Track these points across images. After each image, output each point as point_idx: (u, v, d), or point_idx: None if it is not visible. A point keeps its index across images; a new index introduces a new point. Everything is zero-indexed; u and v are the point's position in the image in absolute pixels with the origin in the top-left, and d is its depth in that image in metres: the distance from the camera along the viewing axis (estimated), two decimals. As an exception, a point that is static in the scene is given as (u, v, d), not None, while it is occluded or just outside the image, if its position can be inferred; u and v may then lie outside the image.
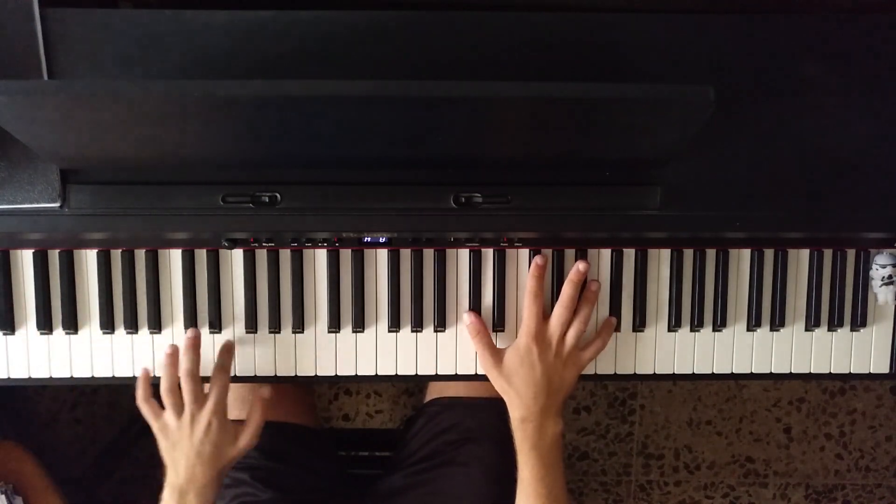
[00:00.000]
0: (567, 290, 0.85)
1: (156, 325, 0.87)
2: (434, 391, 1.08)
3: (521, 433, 0.84)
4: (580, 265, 0.85)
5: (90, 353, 0.88)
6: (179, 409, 0.83)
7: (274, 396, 0.89)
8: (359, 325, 0.88)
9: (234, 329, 0.88)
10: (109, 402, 1.62)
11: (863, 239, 0.90)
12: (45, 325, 0.87)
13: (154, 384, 0.85)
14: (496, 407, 1.00)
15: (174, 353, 0.84)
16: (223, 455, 0.84)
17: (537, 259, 0.86)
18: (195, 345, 0.84)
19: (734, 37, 0.82)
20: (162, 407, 0.84)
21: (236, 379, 0.89)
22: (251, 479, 0.97)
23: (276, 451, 1.00)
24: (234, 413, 1.01)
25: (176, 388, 0.83)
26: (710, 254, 0.90)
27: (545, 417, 0.83)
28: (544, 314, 0.85)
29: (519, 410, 0.83)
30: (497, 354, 0.85)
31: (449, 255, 0.88)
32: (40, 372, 0.88)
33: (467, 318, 0.87)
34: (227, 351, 0.86)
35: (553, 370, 0.83)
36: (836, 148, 0.83)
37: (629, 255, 0.89)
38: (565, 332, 0.84)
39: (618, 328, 0.90)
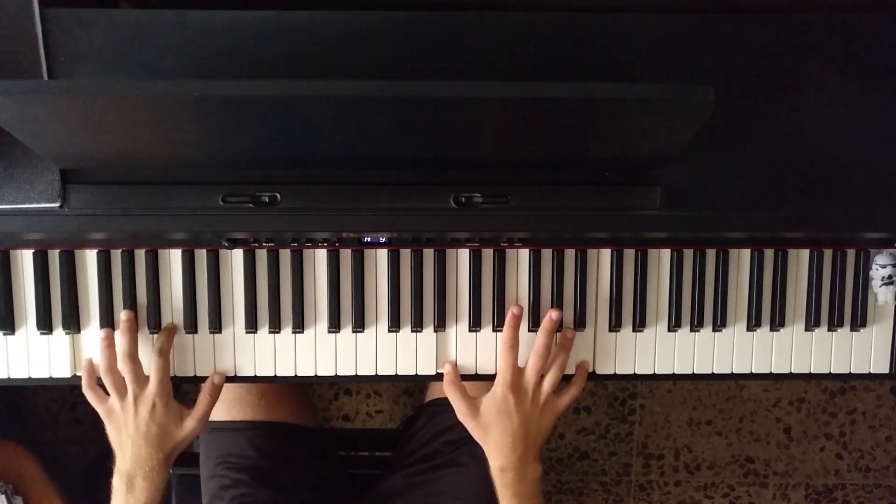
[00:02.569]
0: (541, 338, 0.85)
1: (156, 326, 0.87)
2: (435, 391, 1.08)
3: (500, 481, 0.84)
4: (553, 314, 0.86)
5: (90, 353, 0.88)
6: (122, 390, 0.83)
7: (223, 383, 0.88)
8: (359, 325, 0.88)
9: (234, 329, 0.88)
10: (109, 402, 1.62)
11: (863, 239, 0.90)
12: (45, 325, 0.87)
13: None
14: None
15: (110, 336, 0.84)
16: (169, 437, 0.84)
17: (513, 309, 0.86)
18: (131, 327, 0.84)
19: (734, 37, 0.82)
20: (107, 393, 0.84)
21: (237, 379, 0.89)
22: (250, 480, 0.97)
23: (276, 452, 1.00)
24: (231, 413, 1.01)
25: (114, 369, 0.83)
26: (710, 254, 0.90)
27: (524, 464, 0.83)
28: (520, 363, 0.85)
29: (498, 460, 0.84)
30: (473, 405, 0.85)
31: (449, 255, 0.88)
32: (40, 372, 0.88)
33: (445, 368, 0.87)
34: (168, 333, 0.86)
35: (530, 418, 0.84)
36: (837, 148, 0.83)
37: (629, 255, 0.89)
38: (541, 380, 0.85)
39: (618, 328, 0.90)
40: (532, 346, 0.85)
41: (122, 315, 0.85)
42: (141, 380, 0.83)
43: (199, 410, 0.86)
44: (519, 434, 0.83)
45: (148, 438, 0.82)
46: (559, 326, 0.87)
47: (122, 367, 0.83)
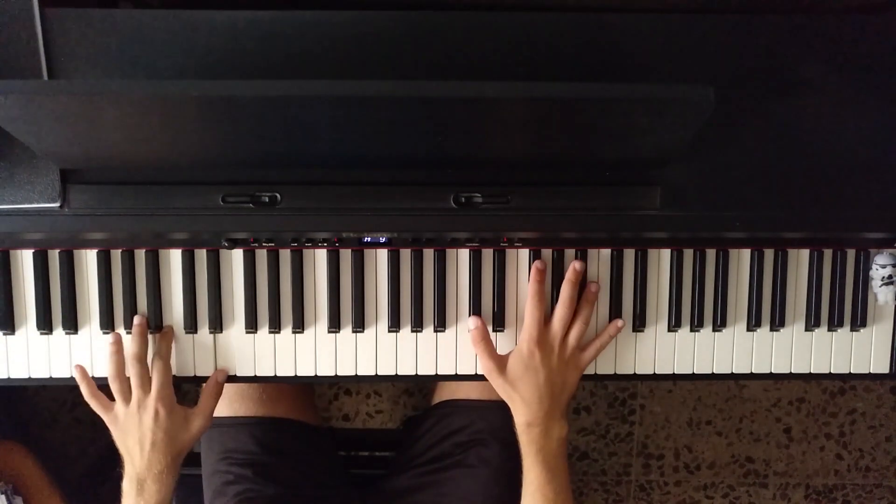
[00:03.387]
0: (566, 290, 0.85)
1: (156, 326, 0.87)
2: (443, 392, 1.08)
3: (526, 437, 0.84)
4: (576, 264, 0.86)
5: (90, 353, 0.88)
6: (127, 395, 0.83)
7: (226, 381, 0.88)
8: (359, 325, 0.88)
9: (234, 329, 0.88)
10: (109, 402, 1.62)
11: (863, 239, 0.90)
12: (45, 325, 0.87)
13: (100, 384, 0.85)
14: (506, 409, 1.00)
15: (119, 341, 0.84)
16: (176, 441, 0.84)
17: (537, 264, 0.86)
18: (143, 332, 0.85)
19: (734, 37, 0.82)
20: (111, 399, 0.84)
21: (237, 379, 0.89)
22: (254, 475, 0.97)
23: (278, 447, 1.00)
24: (234, 408, 1.01)
25: (122, 375, 0.84)
26: (710, 254, 0.90)
27: (550, 420, 0.83)
28: (545, 318, 0.85)
29: (524, 415, 0.83)
30: (500, 360, 0.85)
31: (449, 255, 0.88)
32: (40, 372, 0.88)
33: (472, 322, 0.87)
34: (166, 339, 0.86)
35: (556, 373, 0.84)
36: (836, 148, 0.83)
37: (629, 255, 0.89)
38: (566, 333, 0.85)
39: (621, 328, 0.90)
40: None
41: (135, 319, 0.85)
42: (146, 385, 0.83)
43: (205, 409, 0.86)
44: (545, 389, 0.83)
45: (155, 444, 0.83)
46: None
47: (131, 368, 0.83)
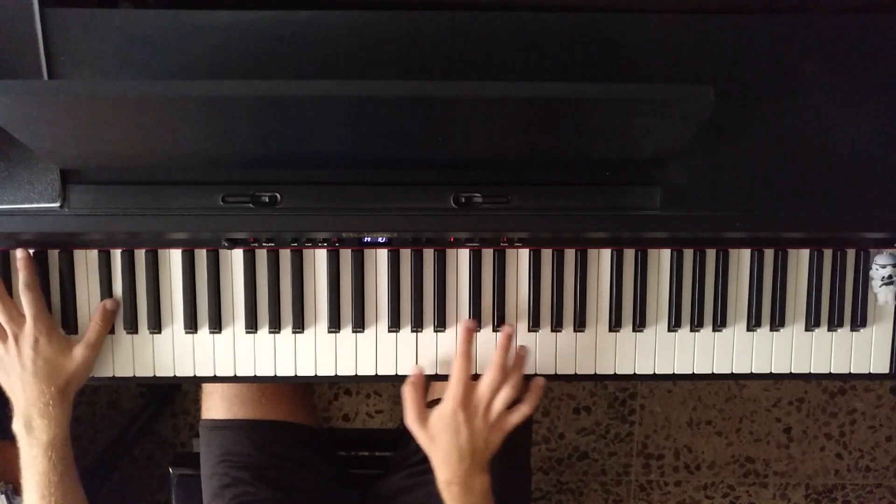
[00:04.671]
0: (498, 356, 0.84)
1: (156, 326, 0.87)
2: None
3: (447, 494, 0.84)
4: (507, 328, 0.86)
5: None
6: (3, 334, 0.83)
7: (116, 308, 0.87)
8: (359, 325, 0.88)
9: (234, 329, 0.88)
10: (109, 402, 1.62)
11: (863, 239, 0.90)
12: (45, 325, 0.87)
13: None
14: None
15: None
16: (59, 369, 0.83)
17: (466, 322, 0.86)
18: (27, 265, 0.83)
19: (734, 37, 0.82)
20: None
21: (237, 379, 0.89)
22: (251, 479, 0.97)
23: (277, 450, 1.00)
24: (232, 411, 1.01)
25: None
26: (710, 254, 0.90)
27: (470, 477, 0.83)
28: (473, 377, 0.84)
29: (444, 473, 0.83)
30: (423, 413, 0.84)
31: (449, 255, 0.88)
32: (40, 372, 0.88)
33: (413, 370, 0.86)
34: (27, 268, 0.84)
35: (479, 435, 0.83)
36: (837, 148, 0.83)
37: (629, 255, 0.89)
38: (494, 396, 0.84)
39: (618, 328, 0.90)
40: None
41: (17, 253, 0.84)
42: (17, 318, 0.83)
43: (90, 336, 0.85)
44: (466, 449, 0.82)
45: (36, 374, 0.81)
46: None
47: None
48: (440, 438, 0.83)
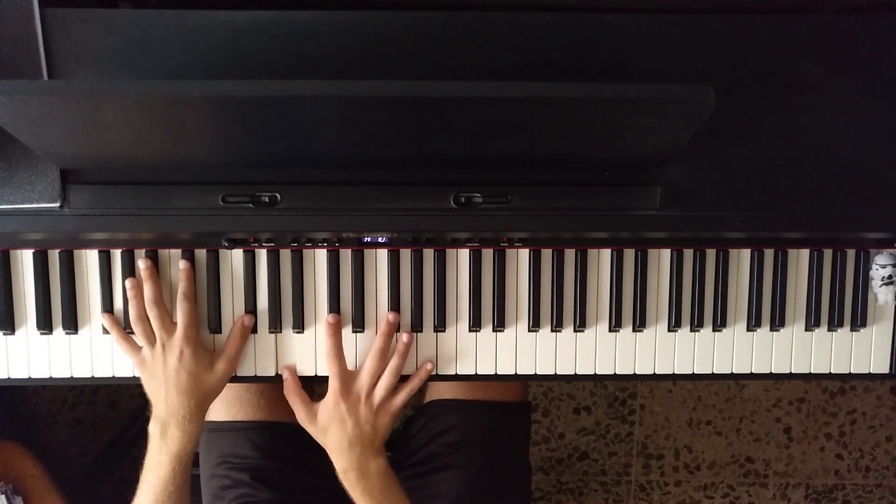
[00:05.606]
0: (378, 342, 0.86)
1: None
2: (433, 392, 1.08)
3: (347, 482, 0.86)
4: (390, 316, 0.87)
5: (90, 353, 0.88)
6: (151, 337, 0.84)
7: (252, 324, 0.88)
8: (358, 325, 0.88)
9: (234, 329, 0.88)
10: (109, 402, 1.62)
11: (863, 239, 0.90)
12: (45, 325, 0.87)
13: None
14: (495, 409, 1.00)
15: (137, 286, 0.85)
16: (200, 383, 0.84)
17: (329, 318, 0.87)
18: (152, 274, 0.85)
19: (734, 37, 0.82)
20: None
21: (237, 379, 0.89)
22: (251, 480, 0.97)
23: (277, 452, 1.00)
24: (231, 413, 1.01)
25: (144, 317, 0.84)
26: (710, 254, 0.90)
27: (364, 462, 0.85)
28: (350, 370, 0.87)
29: (339, 463, 0.85)
30: (310, 410, 0.86)
31: (449, 255, 0.88)
32: (40, 372, 0.88)
33: (285, 373, 0.88)
34: (187, 278, 0.85)
35: (364, 421, 0.85)
36: (837, 148, 0.83)
37: (629, 255, 0.89)
38: (374, 383, 0.86)
39: (618, 328, 0.90)
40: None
41: (140, 263, 0.85)
42: (168, 326, 0.84)
43: (229, 352, 0.86)
44: (354, 436, 0.84)
45: (179, 386, 0.83)
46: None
47: (150, 312, 0.84)
48: (329, 430, 0.85)
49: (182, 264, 0.86)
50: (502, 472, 0.98)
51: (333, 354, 0.86)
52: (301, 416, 0.87)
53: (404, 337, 0.87)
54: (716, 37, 0.82)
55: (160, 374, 0.83)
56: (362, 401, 0.85)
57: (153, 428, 0.84)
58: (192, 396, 0.83)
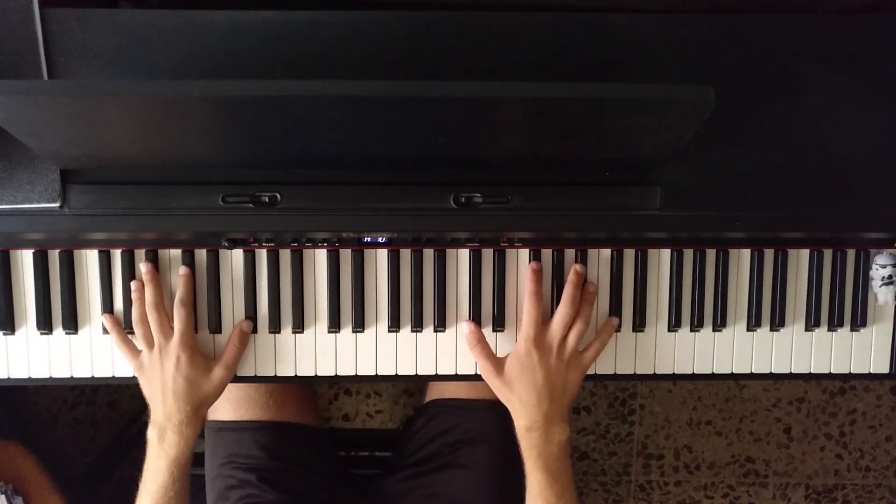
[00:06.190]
0: (569, 290, 0.85)
1: (156, 325, 0.87)
2: (434, 391, 1.08)
3: (526, 442, 0.83)
4: (578, 267, 0.86)
5: (90, 353, 0.88)
6: (150, 340, 0.84)
7: (251, 330, 0.88)
8: (359, 325, 0.88)
9: (234, 329, 0.88)
10: (109, 402, 1.62)
11: (863, 239, 0.90)
12: (45, 325, 0.87)
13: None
14: (496, 408, 1.00)
15: (140, 288, 0.85)
16: (197, 389, 0.84)
17: (533, 265, 0.86)
18: (154, 277, 0.85)
19: (734, 37, 0.82)
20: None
21: (237, 379, 0.89)
22: (257, 481, 0.96)
23: (283, 452, 1.00)
24: (238, 413, 1.01)
25: (144, 320, 0.84)
26: (710, 254, 0.90)
27: (550, 424, 0.82)
28: (544, 317, 0.85)
29: (523, 419, 0.82)
30: (497, 362, 0.84)
31: (449, 255, 0.88)
32: (40, 372, 0.88)
33: (465, 326, 0.87)
34: (186, 284, 0.85)
35: (555, 374, 0.82)
36: (837, 148, 0.83)
37: (629, 255, 0.89)
38: (566, 334, 0.84)
39: (618, 328, 0.90)
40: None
41: (142, 267, 0.85)
42: (167, 330, 0.84)
43: (227, 358, 0.86)
44: (544, 390, 0.81)
45: (175, 391, 0.83)
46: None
47: (150, 315, 0.84)
48: (517, 383, 0.82)
49: (182, 270, 0.86)
50: (504, 472, 0.98)
51: (535, 299, 0.83)
52: (486, 369, 0.84)
53: (590, 287, 0.86)
54: (716, 37, 0.82)
55: (157, 378, 0.83)
56: (554, 351, 0.83)
57: (151, 433, 0.84)
58: (188, 402, 0.83)
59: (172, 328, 0.84)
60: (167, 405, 0.83)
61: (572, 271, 0.86)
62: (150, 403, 0.85)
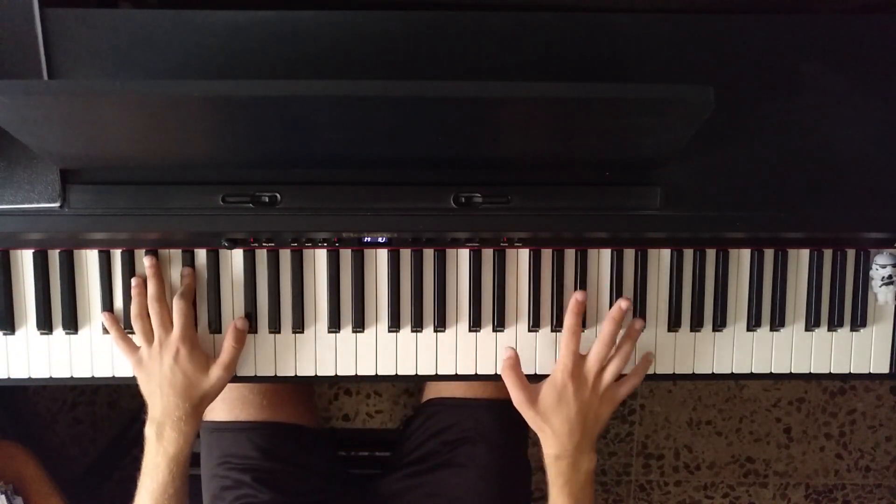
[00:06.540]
0: (607, 327, 0.83)
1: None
2: (431, 391, 1.08)
3: (554, 469, 0.83)
4: (622, 303, 0.84)
5: (90, 353, 0.88)
6: (149, 335, 0.84)
7: (246, 328, 0.88)
8: (359, 325, 0.88)
9: (234, 329, 0.88)
10: (109, 402, 1.62)
11: (863, 239, 0.90)
12: (45, 325, 0.87)
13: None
14: (493, 407, 1.00)
15: (142, 284, 0.85)
16: (195, 385, 0.84)
17: (577, 295, 0.85)
18: (157, 271, 0.85)
19: (734, 37, 0.82)
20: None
21: (237, 379, 0.89)
22: (252, 481, 0.96)
23: (279, 453, 1.00)
24: (234, 413, 1.01)
25: (145, 315, 0.85)
26: (710, 254, 0.90)
27: (579, 453, 0.82)
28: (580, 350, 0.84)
29: (554, 448, 0.83)
30: (531, 393, 0.83)
31: (449, 255, 0.88)
32: (40, 372, 0.88)
33: (505, 352, 0.86)
34: (187, 279, 0.86)
35: (588, 407, 0.82)
36: (836, 148, 0.83)
37: (629, 255, 0.89)
38: (602, 368, 0.83)
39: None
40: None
41: (146, 261, 0.85)
42: (167, 324, 0.84)
43: (225, 357, 0.85)
44: (576, 422, 0.82)
45: (174, 386, 0.83)
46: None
47: (151, 309, 0.84)
48: (552, 413, 0.82)
49: (185, 270, 0.86)
50: (502, 471, 0.98)
51: (572, 332, 0.83)
52: (519, 399, 0.83)
53: (636, 324, 0.86)
54: (716, 37, 0.82)
55: (156, 373, 0.83)
56: (589, 384, 0.82)
57: (149, 431, 0.84)
58: (187, 397, 0.83)
59: (172, 323, 0.84)
60: (165, 401, 0.83)
61: (615, 307, 0.84)
62: (148, 400, 0.84)
